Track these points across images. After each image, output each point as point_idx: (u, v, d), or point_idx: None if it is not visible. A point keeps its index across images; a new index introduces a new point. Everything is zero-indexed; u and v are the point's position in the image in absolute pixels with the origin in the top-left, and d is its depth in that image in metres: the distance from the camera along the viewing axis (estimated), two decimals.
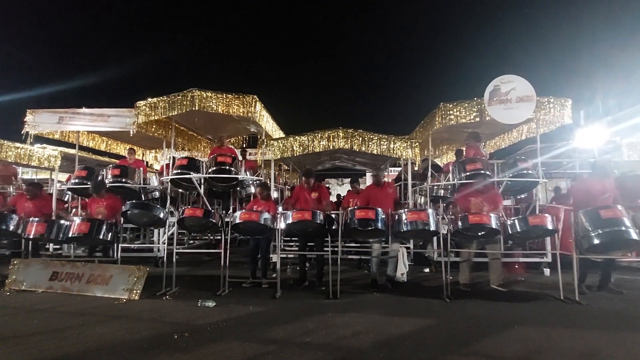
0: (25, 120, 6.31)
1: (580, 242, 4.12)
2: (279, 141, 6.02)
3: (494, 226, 4.14)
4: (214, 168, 5.38)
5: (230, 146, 7.76)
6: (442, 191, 6.30)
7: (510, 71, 5.38)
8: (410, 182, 6.17)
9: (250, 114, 5.69)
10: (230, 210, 6.14)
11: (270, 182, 6.19)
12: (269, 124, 6.65)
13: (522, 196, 6.70)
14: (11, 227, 4.75)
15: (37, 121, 6.28)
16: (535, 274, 5.63)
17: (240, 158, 7.02)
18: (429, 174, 6.09)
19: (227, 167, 5.38)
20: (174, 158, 6.44)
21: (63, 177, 8.67)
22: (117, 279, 4.39)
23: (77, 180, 6.06)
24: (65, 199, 7.81)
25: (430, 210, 4.37)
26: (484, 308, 3.91)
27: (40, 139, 7.26)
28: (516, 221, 4.31)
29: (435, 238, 5.40)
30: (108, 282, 4.39)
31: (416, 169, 7.72)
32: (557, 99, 5.49)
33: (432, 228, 4.21)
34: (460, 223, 4.25)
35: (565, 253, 4.43)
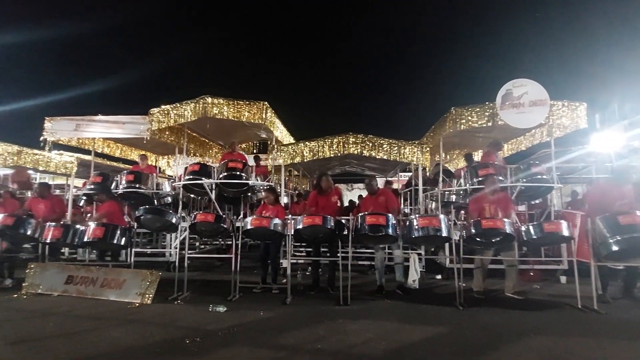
0: (43, 127, 6.50)
1: (598, 249, 4.01)
2: (290, 147, 6.06)
3: (508, 231, 4.06)
4: (225, 174, 5.43)
5: (241, 152, 7.84)
6: (454, 196, 6.23)
7: (523, 75, 5.31)
8: (421, 187, 6.11)
9: (261, 120, 5.76)
10: (241, 216, 6.18)
11: (280, 187, 6.22)
12: (279, 129, 6.70)
13: (537, 201, 6.57)
14: (29, 232, 4.87)
15: (55, 128, 6.47)
16: (550, 282, 5.49)
17: (252, 163, 7.07)
18: (440, 179, 6.03)
19: (238, 173, 5.43)
20: (186, 168, 6.56)
21: (78, 182, 8.89)
22: (130, 283, 4.45)
23: (92, 186, 6.20)
24: (80, 204, 7.99)
25: (442, 216, 4.31)
26: (499, 316, 3.82)
27: (57, 146, 7.47)
28: (530, 227, 4.22)
29: (447, 244, 5.32)
30: (121, 286, 4.45)
31: (427, 174, 7.66)
32: (571, 103, 5.40)
33: (444, 234, 4.15)
34: (473, 228, 4.18)
35: (582, 260, 4.31)
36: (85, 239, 4.65)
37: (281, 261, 5.76)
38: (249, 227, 4.44)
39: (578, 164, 7.78)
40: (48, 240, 4.79)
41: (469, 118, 5.46)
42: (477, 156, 7.67)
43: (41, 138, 6.49)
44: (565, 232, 4.12)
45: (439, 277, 5.82)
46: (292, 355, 2.80)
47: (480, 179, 5.15)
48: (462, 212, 7.22)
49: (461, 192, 5.94)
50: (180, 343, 3.01)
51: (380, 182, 7.57)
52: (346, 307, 4.15)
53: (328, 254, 4.94)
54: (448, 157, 8.67)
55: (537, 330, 3.38)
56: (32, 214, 5.67)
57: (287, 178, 8.41)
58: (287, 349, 2.92)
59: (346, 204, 7.88)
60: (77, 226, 4.86)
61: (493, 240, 4.35)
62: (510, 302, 4.36)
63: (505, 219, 4.17)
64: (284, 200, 6.64)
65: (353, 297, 4.34)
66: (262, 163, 9.18)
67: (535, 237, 4.15)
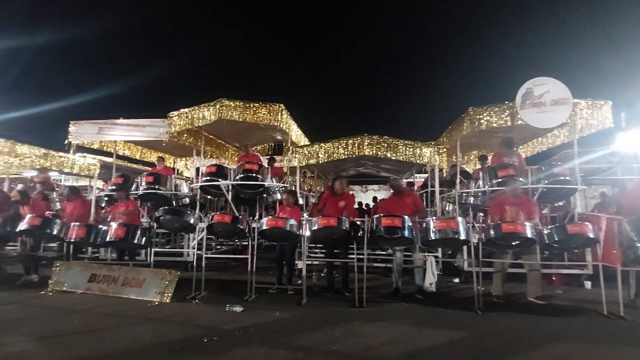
0: (68, 130, 6.76)
1: (626, 253, 3.85)
2: (305, 148, 6.09)
3: (529, 235, 3.94)
4: (241, 175, 5.51)
5: (256, 153, 7.94)
6: (472, 198, 6.10)
7: (543, 74, 5.16)
8: (437, 189, 6.02)
9: (276, 122, 5.81)
10: (257, 217, 6.25)
11: (295, 188, 6.25)
12: (294, 131, 6.74)
13: (559, 204, 6.37)
14: (55, 231, 5.07)
15: (79, 132, 6.72)
16: (574, 287, 5.30)
17: (266, 165, 7.15)
18: (458, 180, 5.92)
19: (254, 174, 5.49)
20: (197, 169, 6.69)
21: (99, 183, 9.18)
22: (149, 282, 4.56)
23: (114, 187, 6.40)
24: (102, 205, 8.25)
25: (460, 219, 4.23)
26: (520, 322, 3.71)
27: (80, 148, 7.75)
28: (553, 230, 4.09)
29: (465, 247, 5.22)
30: (141, 285, 4.57)
31: (444, 175, 7.54)
32: (596, 101, 5.21)
33: (462, 237, 4.07)
34: (492, 232, 4.08)
35: (608, 265, 4.14)
36: (108, 239, 4.80)
37: (296, 262, 5.79)
38: (264, 227, 4.48)
39: (602, 165, 7.50)
40: (72, 240, 4.97)
41: (488, 118, 5.35)
42: None
43: (66, 141, 6.75)
44: (590, 235, 3.97)
45: (456, 280, 5.71)
46: (308, 357, 2.81)
47: (499, 180, 5.03)
48: (481, 214, 7.07)
49: (479, 194, 5.81)
50: (198, 342, 3.06)
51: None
52: (362, 309, 4.12)
53: (340, 256, 4.91)
54: (465, 158, 8.51)
55: (560, 336, 3.27)
56: (59, 214, 5.91)
57: (301, 179, 8.44)
58: (303, 350, 2.92)
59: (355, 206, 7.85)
60: (100, 226, 5.02)
61: (513, 244, 4.23)
62: (531, 307, 4.23)
63: (527, 223, 4.05)
64: (299, 201, 6.66)
65: (368, 300, 4.31)
66: (277, 164, 9.27)
67: (557, 239, 4.02)
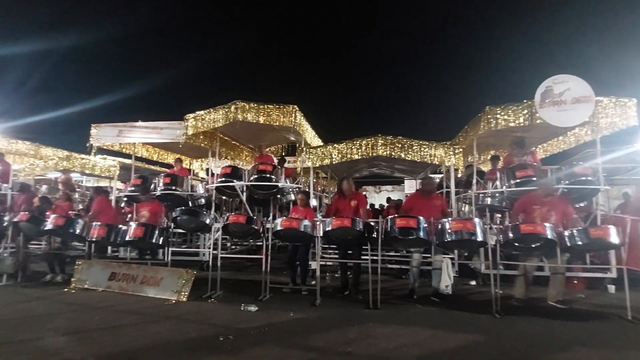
0: (90, 133, 6.99)
1: None
2: (318, 149, 6.10)
3: (549, 237, 3.83)
4: (256, 176, 5.57)
5: (269, 154, 8.01)
6: (489, 199, 5.98)
7: (562, 72, 5.00)
8: (453, 189, 5.92)
9: (290, 124, 5.85)
10: (270, 217, 6.30)
11: (309, 189, 6.27)
12: (308, 132, 6.77)
13: (581, 205, 6.17)
14: (77, 231, 5.24)
15: (100, 134, 6.94)
16: (597, 291, 5.12)
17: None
18: (474, 181, 5.81)
19: (268, 175, 5.54)
20: (207, 170, 6.78)
21: (117, 184, 9.44)
22: (167, 281, 4.66)
23: (133, 188, 6.58)
24: (122, 205, 8.49)
25: (477, 220, 4.15)
26: (540, 326, 3.61)
27: (100, 150, 7.99)
28: (575, 233, 3.96)
29: (482, 249, 5.12)
30: (159, 284, 4.67)
31: (459, 175, 7.42)
32: (619, 99, 5.03)
33: (480, 238, 3.98)
34: (511, 233, 3.99)
35: (633, 269, 3.98)
36: (127, 238, 4.93)
37: (310, 263, 5.80)
38: (278, 228, 4.51)
39: (626, 164, 7.21)
40: (94, 239, 5.13)
41: (505, 117, 5.24)
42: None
43: (87, 144, 6.98)
44: (614, 239, 3.82)
45: (473, 283, 5.60)
46: (322, 357, 2.81)
47: (517, 180, 4.91)
48: (498, 215, 6.92)
49: (497, 194, 5.69)
50: (214, 340, 3.10)
51: (412, 184, 7.41)
52: (376, 310, 4.09)
53: (352, 257, 4.89)
54: (482, 158, 8.35)
55: (582, 342, 3.16)
56: (81, 214, 6.10)
57: (315, 180, 8.47)
58: (317, 351, 2.92)
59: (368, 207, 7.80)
60: (120, 226, 5.17)
61: (533, 246, 4.12)
62: (552, 311, 4.11)
63: (547, 224, 3.93)
64: (313, 202, 6.68)
65: (383, 301, 4.28)
66: (290, 165, 9.33)
67: (580, 243, 3.89)
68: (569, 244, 3.94)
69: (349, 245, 4.86)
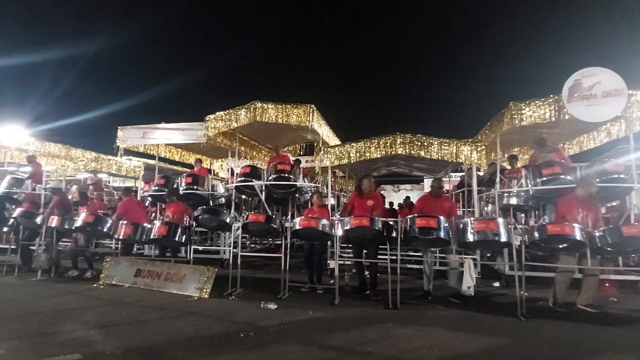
0: (116, 135, 7.26)
1: None
2: (336, 148, 6.09)
3: (578, 238, 3.67)
4: (274, 175, 5.62)
5: (286, 154, 8.07)
6: (513, 198, 5.79)
7: (588, 65, 4.76)
8: (475, 188, 5.76)
9: (308, 123, 5.87)
10: (289, 216, 6.35)
11: (327, 188, 6.28)
12: (325, 131, 6.77)
13: (613, 204, 5.88)
14: (105, 229, 5.47)
15: (126, 136, 7.20)
16: (630, 295, 4.86)
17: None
18: (497, 179, 5.64)
19: (287, 175, 5.59)
20: (231, 170, 6.89)
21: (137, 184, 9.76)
22: (189, 278, 4.79)
23: (156, 188, 6.79)
24: (146, 204, 8.78)
25: (500, 220, 4.02)
26: (568, 330, 3.47)
27: (125, 151, 8.28)
28: (606, 232, 3.78)
29: (506, 250, 4.96)
30: (182, 281, 4.81)
31: (481, 174, 7.22)
32: None
33: (504, 239, 3.86)
34: (537, 234, 3.84)
35: None
36: (152, 236, 5.10)
37: (328, 262, 5.81)
38: (297, 227, 4.55)
39: None
40: (121, 237, 5.34)
41: (530, 113, 5.05)
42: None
43: (114, 145, 7.26)
44: None
45: (496, 284, 5.44)
46: (341, 356, 2.81)
47: (544, 179, 4.73)
48: (522, 215, 6.69)
49: (521, 193, 5.50)
50: (236, 337, 3.17)
51: (426, 182, 7.26)
52: (395, 311, 4.06)
53: (368, 256, 4.85)
54: (505, 155, 8.09)
55: (613, 347, 3.02)
56: (108, 213, 6.36)
57: (332, 179, 8.46)
58: (336, 350, 2.93)
59: (387, 206, 7.74)
60: (145, 224, 5.35)
61: (560, 247, 3.96)
62: (582, 315, 3.93)
63: (575, 224, 3.77)
64: (331, 201, 6.68)
65: (402, 302, 4.23)
66: (307, 165, 9.36)
67: (611, 243, 3.71)
68: (599, 245, 3.76)
69: (365, 244, 4.83)
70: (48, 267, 5.77)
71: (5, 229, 6.49)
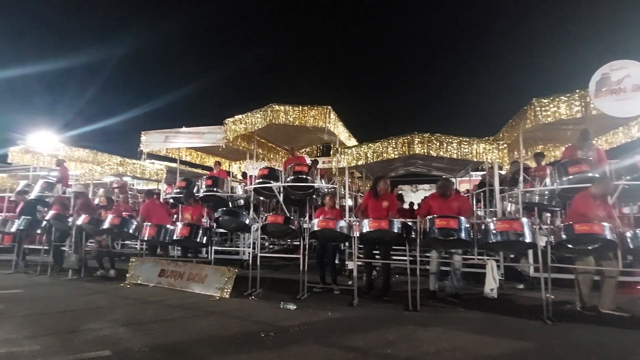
0: (140, 140, 7.52)
1: None
2: (353, 149, 6.08)
3: (608, 237, 3.51)
4: (292, 177, 5.67)
5: (302, 155, 8.12)
6: (537, 197, 5.60)
7: (615, 58, 4.54)
8: (497, 187, 5.61)
9: (324, 124, 5.89)
10: (307, 217, 6.39)
11: (344, 189, 6.28)
12: (342, 132, 6.77)
13: None
14: (131, 230, 5.68)
15: (149, 140, 7.44)
16: None
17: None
18: (521, 178, 5.47)
19: (304, 176, 5.63)
20: (244, 173, 6.98)
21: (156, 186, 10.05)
22: (211, 278, 4.90)
23: (178, 190, 6.99)
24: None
25: (524, 220, 3.90)
26: (598, 335, 3.33)
27: (148, 155, 8.55)
28: (638, 232, 3.60)
29: (530, 251, 4.81)
30: (204, 281, 4.92)
31: (503, 173, 7.02)
32: None
33: (528, 240, 3.75)
34: (564, 234, 3.70)
35: None
36: (175, 237, 5.26)
37: (346, 263, 5.80)
38: (315, 228, 4.57)
39: None
40: (145, 238, 5.52)
41: (555, 109, 4.88)
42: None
43: (139, 149, 7.52)
44: None
45: (521, 286, 5.28)
46: (362, 358, 2.80)
47: (570, 177, 4.56)
48: (548, 215, 6.47)
49: (545, 193, 5.32)
50: (256, 336, 3.22)
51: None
52: (415, 312, 4.01)
53: (380, 257, 4.82)
54: (529, 153, 7.83)
55: None
56: (133, 215, 6.59)
57: (349, 180, 8.45)
58: (356, 351, 2.92)
59: (406, 206, 7.64)
60: (168, 226, 5.52)
61: (590, 248, 3.80)
62: (612, 319, 3.76)
63: (605, 223, 3.61)
64: (349, 202, 6.67)
65: (422, 304, 4.18)
66: (324, 166, 9.38)
67: None
68: (631, 246, 3.59)
69: (377, 244, 4.79)
70: (78, 267, 6.04)
71: (38, 231, 6.83)
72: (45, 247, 6.75)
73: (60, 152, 9.23)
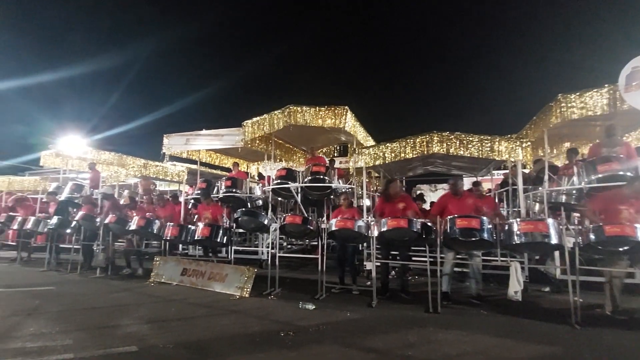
0: (163, 143, 7.75)
1: None
2: (371, 149, 6.04)
3: None
4: (310, 177, 5.70)
5: (321, 155, 8.13)
6: (564, 197, 5.39)
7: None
8: (520, 186, 5.44)
9: (341, 125, 5.89)
10: (324, 217, 6.40)
11: (362, 189, 6.25)
12: (359, 132, 6.74)
13: None
14: (155, 231, 5.86)
15: (171, 143, 7.66)
16: None
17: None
18: (546, 177, 5.28)
19: (322, 177, 5.65)
20: (260, 174, 7.04)
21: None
22: (231, 277, 4.99)
23: (199, 191, 7.16)
24: (189, 207, 9.26)
25: (550, 220, 3.76)
26: (630, 340, 3.17)
27: (170, 157, 8.79)
28: None
29: (557, 252, 4.63)
30: (224, 280, 5.02)
31: (527, 171, 6.80)
32: None
33: (554, 241, 3.61)
34: (592, 235, 3.55)
35: None
36: (196, 237, 5.39)
37: (365, 263, 5.77)
38: (333, 228, 4.57)
39: None
40: (168, 238, 5.69)
41: (582, 105, 4.69)
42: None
43: (162, 152, 7.75)
44: None
45: (546, 289, 5.09)
46: (382, 359, 2.79)
47: (599, 176, 4.37)
48: (576, 215, 6.22)
49: (573, 192, 5.11)
50: (276, 335, 3.26)
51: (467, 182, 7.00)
52: (436, 314, 3.94)
53: (398, 258, 4.76)
54: (554, 151, 7.54)
55: None
56: (154, 216, 6.80)
57: (367, 180, 8.39)
58: (376, 352, 2.91)
59: (427, 207, 7.53)
60: (190, 226, 5.66)
61: (620, 250, 3.63)
62: None
63: (637, 224, 3.44)
64: (366, 202, 6.64)
65: (443, 305, 4.11)
66: (341, 166, 9.37)
67: None
68: None
69: (396, 246, 4.74)
70: (106, 266, 6.30)
71: (68, 231, 7.16)
72: (76, 246, 7.06)
73: (88, 155, 9.63)
